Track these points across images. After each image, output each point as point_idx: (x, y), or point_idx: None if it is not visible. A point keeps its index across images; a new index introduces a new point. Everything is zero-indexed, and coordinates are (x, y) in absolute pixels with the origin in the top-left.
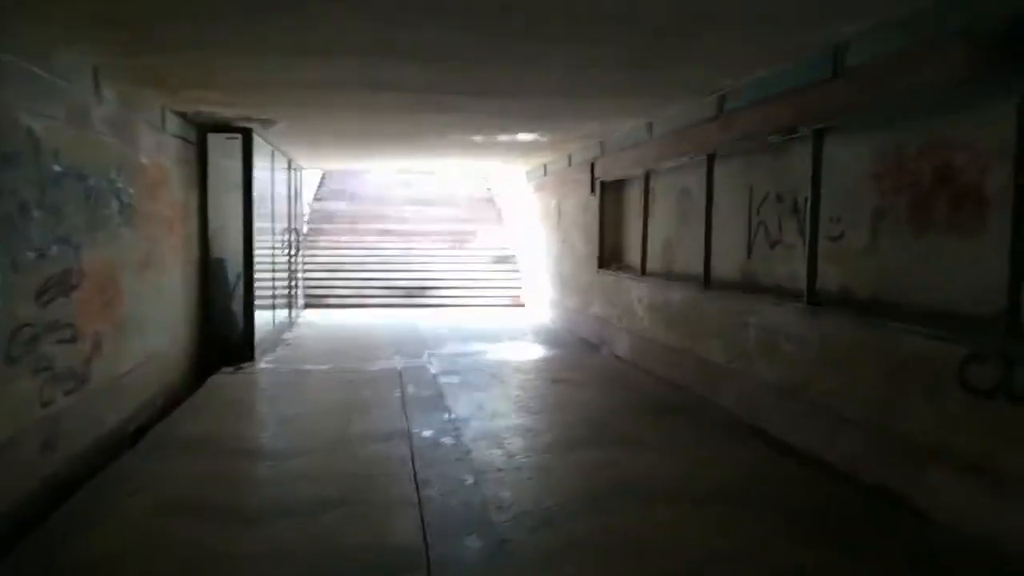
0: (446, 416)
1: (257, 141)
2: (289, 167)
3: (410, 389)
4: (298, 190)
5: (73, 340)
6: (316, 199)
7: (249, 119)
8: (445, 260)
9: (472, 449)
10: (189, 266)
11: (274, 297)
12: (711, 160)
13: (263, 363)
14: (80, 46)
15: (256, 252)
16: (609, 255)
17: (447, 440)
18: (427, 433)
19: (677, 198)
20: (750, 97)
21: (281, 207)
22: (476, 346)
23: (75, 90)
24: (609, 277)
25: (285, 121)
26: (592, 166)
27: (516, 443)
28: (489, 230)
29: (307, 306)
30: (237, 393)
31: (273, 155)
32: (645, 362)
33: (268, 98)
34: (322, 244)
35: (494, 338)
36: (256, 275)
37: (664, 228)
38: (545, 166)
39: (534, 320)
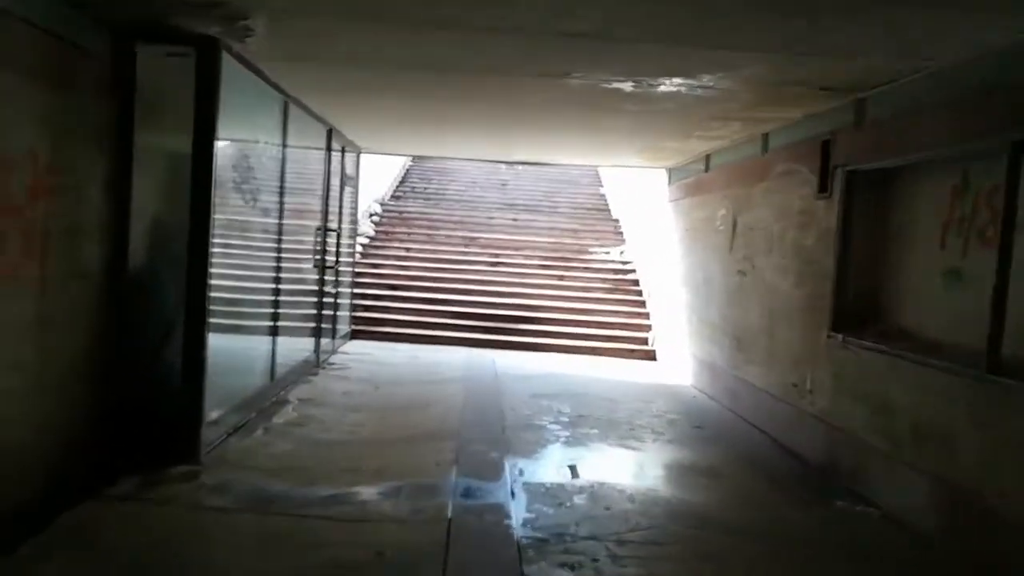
0: None
1: (237, 72)
2: (329, 142)
3: None
4: (347, 177)
5: None
6: (393, 197)
7: (191, 5)
8: (545, 285)
9: None
10: (69, 285)
11: (274, 334)
12: None
13: (210, 472)
14: None
15: (224, 259)
16: (856, 309)
17: None
18: None
19: None
20: None
21: (307, 197)
22: (596, 450)
23: None
24: (868, 353)
25: (266, 17)
26: (826, 146)
27: None
28: (604, 248)
29: (355, 335)
30: None
31: (286, 111)
32: None
33: None
34: (388, 253)
35: (624, 429)
36: (230, 299)
37: None
38: (708, 157)
39: (673, 385)
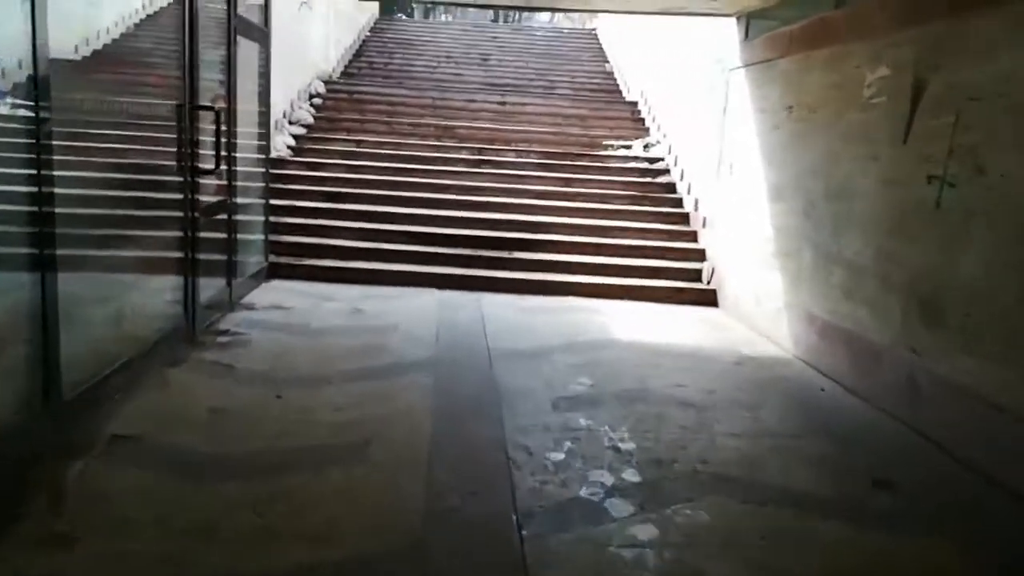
0: None
1: None
2: None
3: None
4: (242, 24)
5: None
6: (344, 75)
7: None
8: (547, 193)
9: None
10: None
11: (45, 297)
12: None
13: None
14: None
15: None
16: None
17: None
18: None
19: None
20: None
21: (139, 51)
22: None
23: None
24: None
25: None
26: None
27: None
28: (622, 141)
29: (275, 271)
30: None
31: None
32: None
33: None
34: (331, 148)
35: (760, 516)
36: None
37: None
38: None
39: (770, 360)
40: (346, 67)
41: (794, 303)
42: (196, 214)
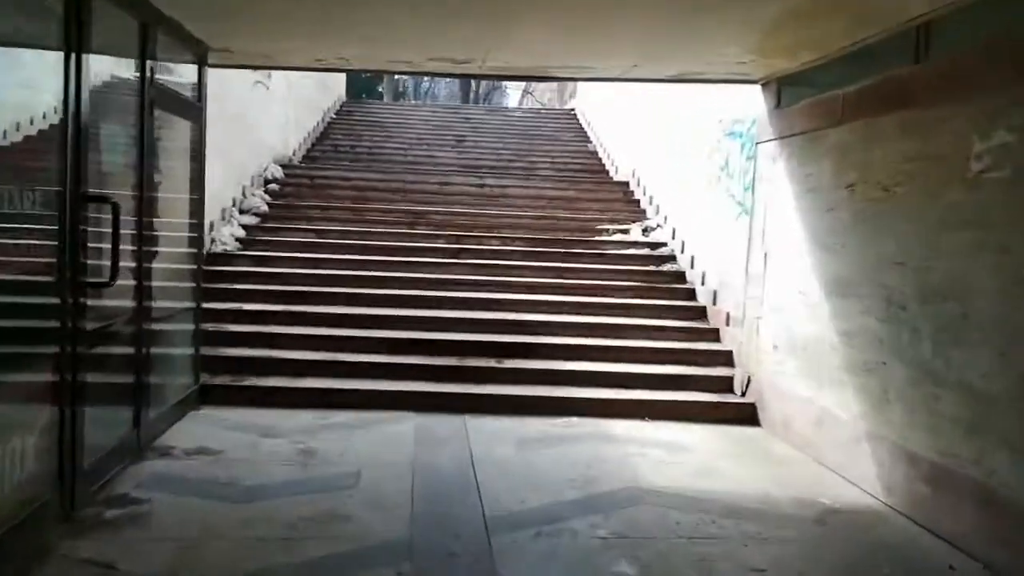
0: None
1: None
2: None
3: None
4: (169, 98)
5: None
6: (306, 158)
7: None
8: (537, 286)
9: None
10: None
11: None
12: None
13: None
14: None
15: None
16: None
17: None
18: None
19: None
20: None
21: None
22: None
23: None
24: None
25: None
26: None
27: None
28: (618, 224)
29: (211, 395)
30: None
31: None
32: None
33: None
34: (287, 239)
35: None
36: None
37: None
38: (923, 29)
39: (861, 517)
40: (308, 150)
41: (880, 435)
42: (77, 325)
